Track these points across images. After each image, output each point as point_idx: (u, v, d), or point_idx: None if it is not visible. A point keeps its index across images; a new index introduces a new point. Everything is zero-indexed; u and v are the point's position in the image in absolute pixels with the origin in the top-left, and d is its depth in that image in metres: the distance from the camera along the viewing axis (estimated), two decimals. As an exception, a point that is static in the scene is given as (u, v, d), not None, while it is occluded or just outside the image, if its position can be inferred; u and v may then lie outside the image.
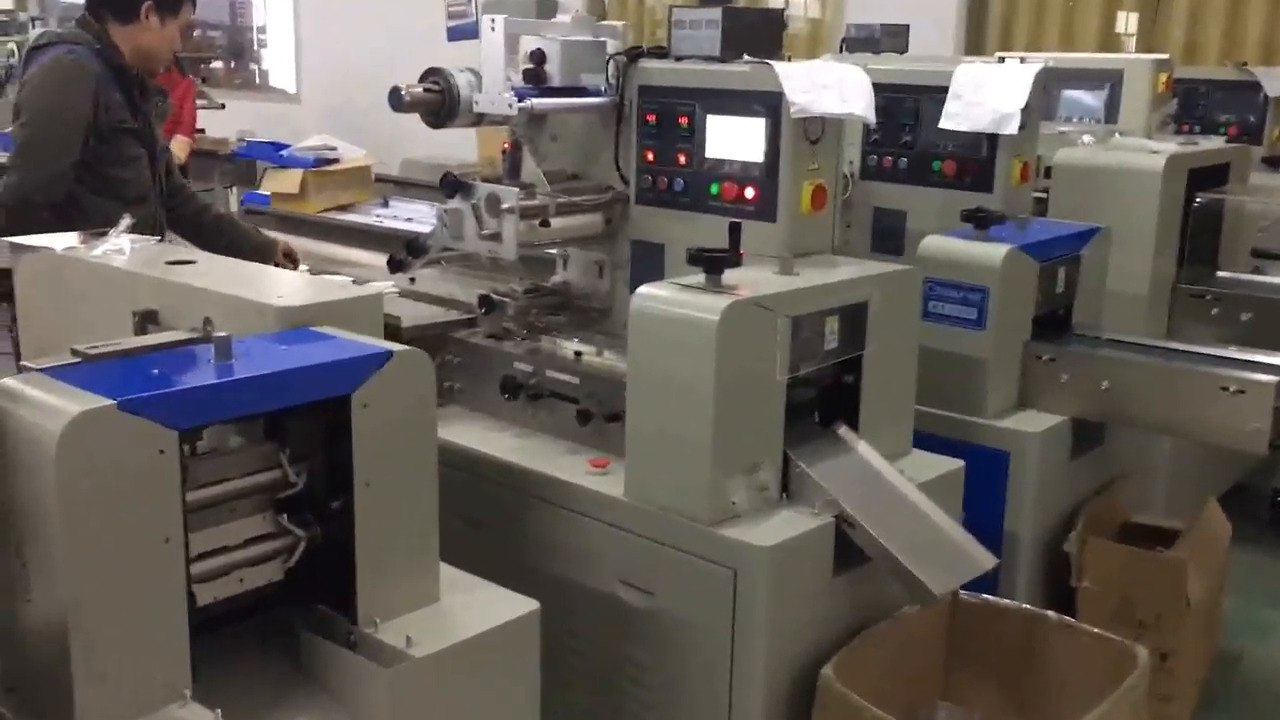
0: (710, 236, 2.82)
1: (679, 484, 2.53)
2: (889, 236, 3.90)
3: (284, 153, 5.36)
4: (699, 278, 2.56)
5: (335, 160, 5.39)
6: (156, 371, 1.81)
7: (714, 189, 2.99)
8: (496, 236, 3.01)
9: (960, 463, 2.95)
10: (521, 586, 2.41)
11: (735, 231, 2.59)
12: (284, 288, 2.28)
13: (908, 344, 2.92)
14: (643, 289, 2.58)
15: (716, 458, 2.47)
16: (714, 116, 2.98)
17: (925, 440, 3.06)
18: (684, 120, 3.03)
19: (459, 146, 6.76)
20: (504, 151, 3.14)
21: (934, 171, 3.80)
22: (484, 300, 3.20)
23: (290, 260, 4.03)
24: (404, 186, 5.88)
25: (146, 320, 2.31)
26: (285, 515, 1.98)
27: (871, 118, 2.91)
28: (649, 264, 3.18)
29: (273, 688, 1.97)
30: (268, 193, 5.38)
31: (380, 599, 2.00)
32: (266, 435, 2.02)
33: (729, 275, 2.56)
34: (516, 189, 2.97)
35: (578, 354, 3.07)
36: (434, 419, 2.06)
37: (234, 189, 7.07)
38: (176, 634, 1.76)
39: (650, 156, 3.13)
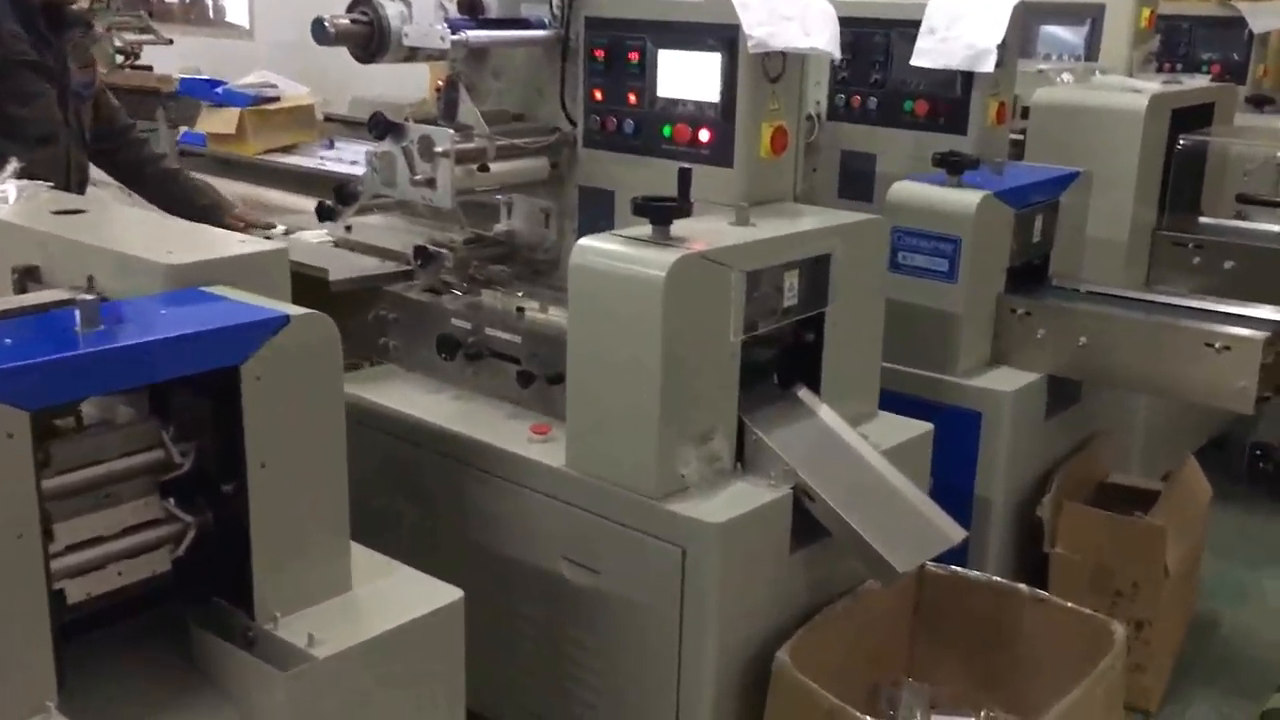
0: (663, 183, 2.59)
1: (623, 455, 2.33)
2: (857, 181, 3.68)
3: (220, 90, 5.06)
4: (645, 229, 2.33)
5: (275, 99, 5.10)
6: (9, 341, 1.57)
7: (666, 131, 2.76)
8: (430, 183, 2.77)
9: (929, 426, 2.76)
10: (460, 563, 2.23)
11: (685, 178, 2.37)
12: (178, 242, 2.04)
13: (874, 299, 2.72)
14: (583, 241, 2.36)
15: (664, 426, 2.27)
16: (666, 51, 2.74)
17: (893, 400, 2.87)
18: (634, 56, 2.79)
19: (415, 85, 6.47)
20: (438, 90, 2.90)
21: (905, 112, 3.58)
22: (419, 251, 2.96)
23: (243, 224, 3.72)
24: (353, 127, 5.59)
25: (26, 278, 2.07)
26: (172, 500, 1.77)
27: (837, 52, 2.67)
28: (598, 212, 2.95)
29: (162, 690, 1.77)
30: (204, 132, 5.09)
31: (281, 591, 1.80)
32: (152, 410, 1.80)
33: (678, 226, 2.34)
34: (451, 131, 2.73)
35: (520, 310, 2.84)
36: (340, 391, 1.84)
37: (181, 129, 6.75)
38: (37, 639, 1.56)
39: (598, 95, 2.89)
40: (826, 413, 2.58)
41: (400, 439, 2.72)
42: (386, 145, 2.86)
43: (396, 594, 1.92)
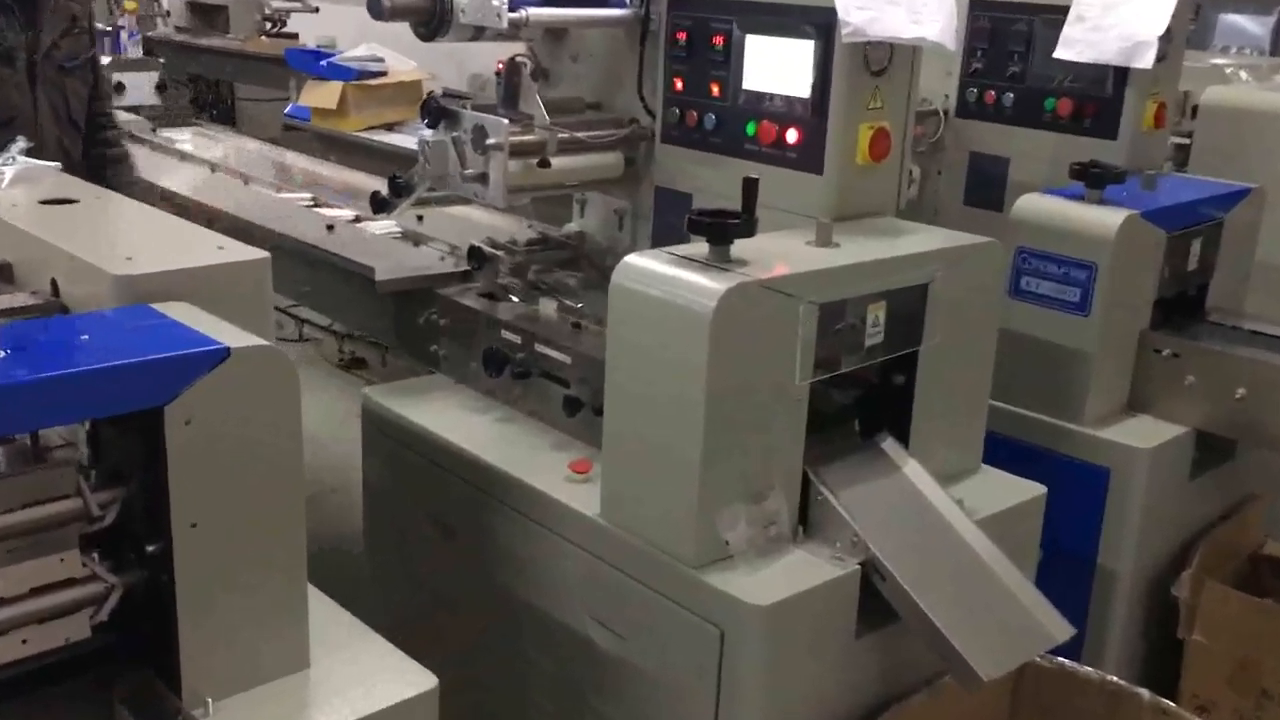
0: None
1: (659, 511, 1.99)
2: (986, 188, 3.24)
3: (325, 62, 4.86)
4: (702, 247, 1.98)
5: (381, 73, 4.88)
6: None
7: (750, 128, 2.39)
8: (483, 178, 2.47)
9: (1041, 490, 2.33)
10: (478, 601, 1.93)
11: (750, 189, 2.00)
12: (155, 247, 1.78)
13: (981, 338, 2.30)
14: (630, 259, 2.02)
15: (706, 481, 1.92)
16: (754, 37, 2.37)
17: (1002, 448, 2.46)
18: (719, 41, 2.43)
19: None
20: (497, 73, 2.59)
21: (1046, 111, 3.12)
22: (474, 253, 2.67)
23: None
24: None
25: (-1, 276, 1.85)
26: (96, 556, 1.51)
27: (951, 44, 2.26)
28: (674, 217, 2.59)
29: (77, 774, 1.52)
30: (305, 107, 4.92)
31: (215, 672, 1.52)
32: (90, 442, 1.54)
33: (742, 247, 1.98)
34: (506, 121, 2.42)
35: (576, 325, 2.53)
36: (297, 437, 1.54)
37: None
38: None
39: (679, 85, 2.53)
40: (914, 470, 2.19)
41: (430, 461, 2.44)
42: (439, 133, 2.56)
43: (360, 676, 1.63)
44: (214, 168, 3.91)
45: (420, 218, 3.22)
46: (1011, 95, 3.18)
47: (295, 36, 7.94)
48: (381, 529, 2.68)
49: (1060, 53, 2.97)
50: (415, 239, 3.14)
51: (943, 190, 3.35)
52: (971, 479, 2.33)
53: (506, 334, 2.54)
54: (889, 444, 2.21)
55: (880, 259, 2.07)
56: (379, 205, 2.79)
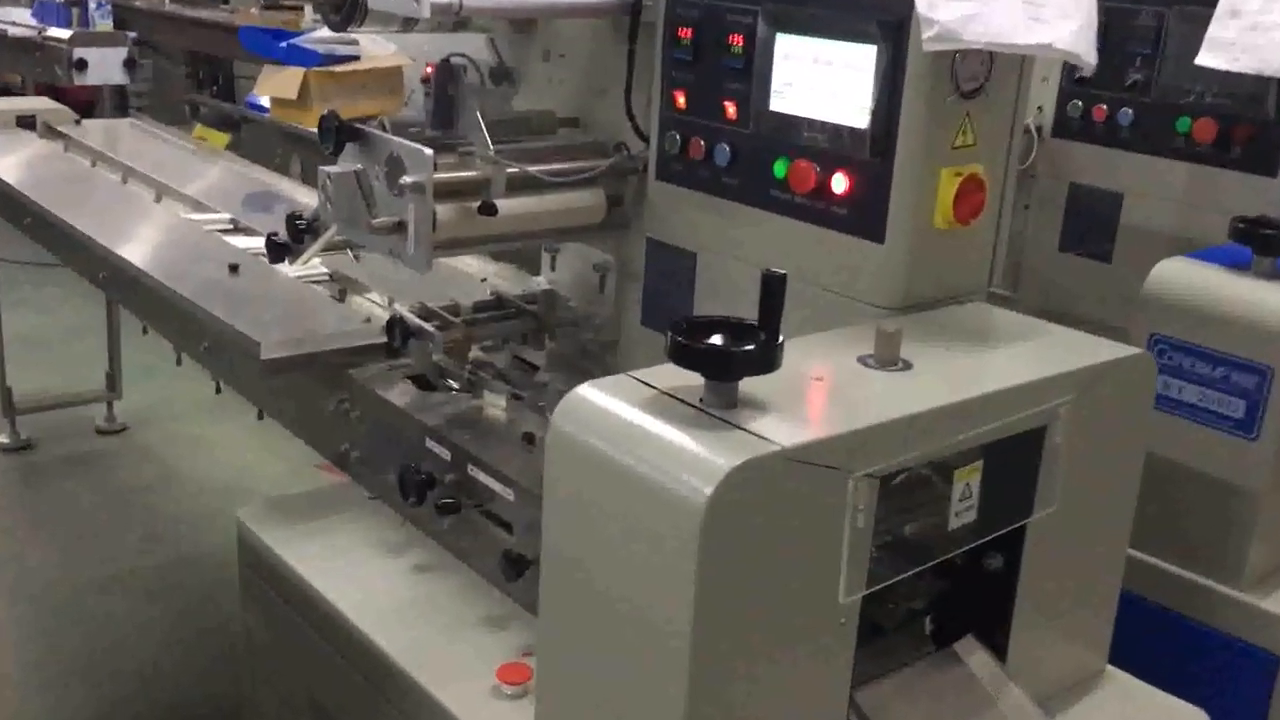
0: (774, 252, 1.55)
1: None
2: (1090, 232, 2.48)
3: (284, 44, 4.11)
4: (694, 380, 1.24)
5: (353, 57, 4.13)
6: None
7: (779, 169, 1.65)
8: (399, 227, 1.74)
9: (1198, 714, 1.58)
10: None
11: (773, 290, 1.24)
12: None
13: (1119, 494, 1.54)
14: (580, 392, 1.27)
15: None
16: (790, 39, 1.62)
17: (1133, 612, 1.71)
18: (737, 40, 1.69)
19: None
20: (424, 80, 1.87)
21: (1178, 134, 2.36)
22: (393, 326, 1.94)
23: None
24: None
25: None
26: None
27: (1093, 55, 1.48)
28: (671, 281, 1.88)
29: None
30: (263, 97, 4.18)
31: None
32: None
33: (754, 384, 1.23)
34: (429, 151, 1.68)
35: (529, 437, 1.80)
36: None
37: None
38: None
39: (681, 101, 1.79)
40: (1014, 699, 1.44)
41: (311, 625, 1.74)
42: (343, 163, 1.84)
43: None
44: (126, 177, 3.20)
45: (357, 258, 2.49)
46: (1130, 112, 2.42)
47: (299, 9, 7.25)
48: (259, 697, 1.97)
49: (1204, 59, 2.18)
50: (343, 286, 2.42)
51: (1032, 230, 2.60)
52: (1095, 695, 1.58)
53: (431, 445, 1.82)
54: (977, 657, 1.47)
55: (978, 394, 1.32)
56: (276, 252, 2.06)
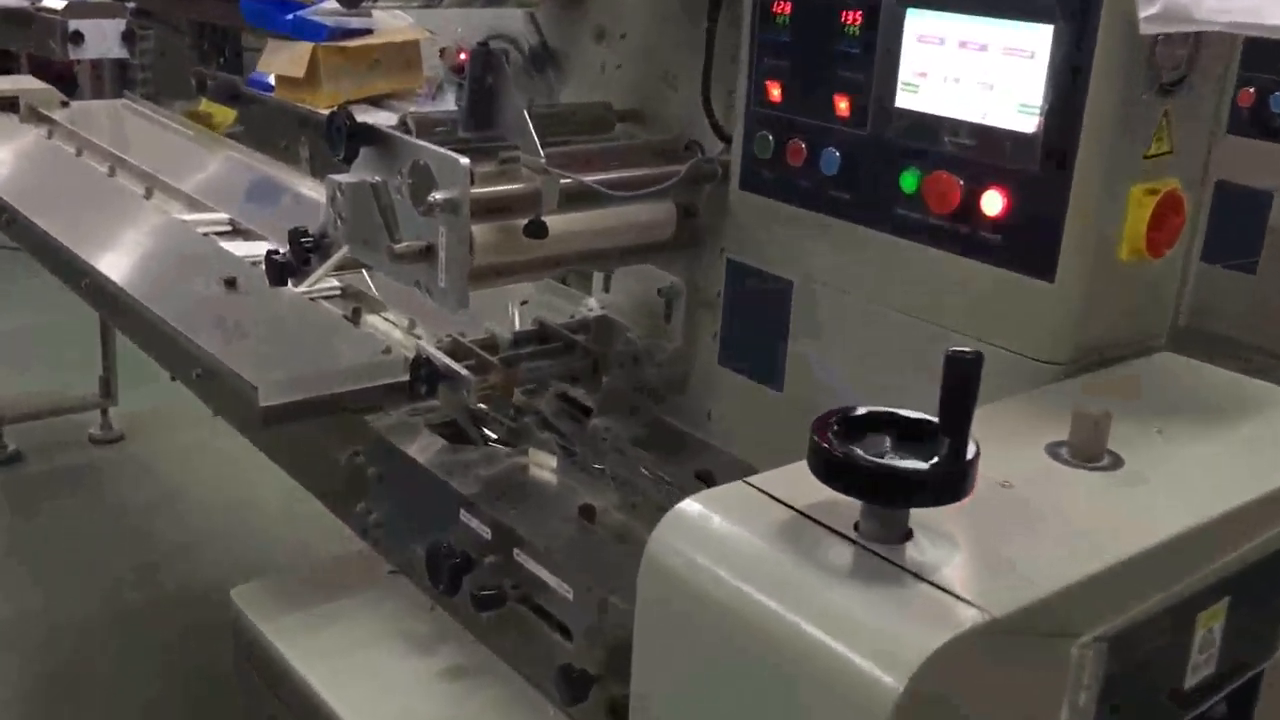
0: (896, 283, 1.20)
1: None
2: (1236, 237, 2.11)
3: (291, 16, 3.75)
4: (845, 505, 0.89)
5: (365, 31, 3.77)
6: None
7: (909, 182, 1.30)
8: (427, 253, 1.39)
9: None
10: None
11: (965, 376, 0.88)
12: None
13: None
14: (682, 512, 0.92)
15: None
16: (924, 15, 1.26)
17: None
18: (853, 18, 1.33)
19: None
20: (457, 70, 1.51)
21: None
22: (419, 367, 1.59)
23: None
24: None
25: None
26: None
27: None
28: (757, 314, 1.53)
29: None
30: (268, 74, 3.84)
31: None
32: None
33: (935, 518, 0.88)
34: (465, 161, 1.33)
35: (587, 512, 1.46)
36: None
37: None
38: None
39: (776, 93, 1.44)
40: None
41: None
42: (358, 171, 1.49)
43: None
44: (114, 169, 2.85)
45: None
46: (1282, 96, 2.05)
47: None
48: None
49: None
50: (356, 305, 2.07)
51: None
52: None
53: (466, 518, 1.48)
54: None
55: (1225, 509, 0.97)
56: (278, 273, 1.72)
